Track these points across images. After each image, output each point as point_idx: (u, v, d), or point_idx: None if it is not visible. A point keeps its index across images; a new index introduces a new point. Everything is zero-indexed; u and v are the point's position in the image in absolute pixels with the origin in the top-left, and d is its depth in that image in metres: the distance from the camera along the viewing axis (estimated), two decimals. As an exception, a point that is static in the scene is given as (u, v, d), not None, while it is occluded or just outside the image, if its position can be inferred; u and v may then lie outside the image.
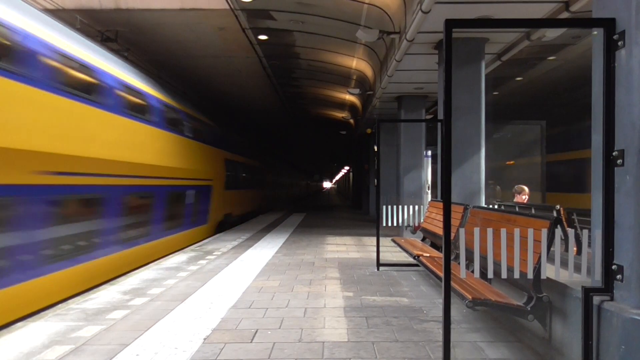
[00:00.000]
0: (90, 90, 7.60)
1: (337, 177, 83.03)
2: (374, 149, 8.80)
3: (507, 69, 12.59)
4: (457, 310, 4.93)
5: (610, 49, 3.00)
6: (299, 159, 59.21)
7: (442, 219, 3.36)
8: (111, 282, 6.70)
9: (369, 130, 20.01)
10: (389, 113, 15.18)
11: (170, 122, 11.27)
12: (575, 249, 3.68)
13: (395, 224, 8.03)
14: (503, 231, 3.56)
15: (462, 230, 3.59)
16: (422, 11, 6.60)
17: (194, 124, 13.28)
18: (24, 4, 6.40)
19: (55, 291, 6.46)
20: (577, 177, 15.27)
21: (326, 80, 16.39)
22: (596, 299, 3.03)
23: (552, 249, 3.49)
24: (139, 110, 9.54)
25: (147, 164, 9.62)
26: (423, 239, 7.93)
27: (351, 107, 20.47)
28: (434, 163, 13.34)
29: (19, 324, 4.68)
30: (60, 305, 5.48)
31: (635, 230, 2.82)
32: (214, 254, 9.35)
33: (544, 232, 3.42)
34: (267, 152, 30.52)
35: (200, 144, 13.70)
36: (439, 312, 5.11)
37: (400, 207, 8.05)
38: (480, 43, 7.91)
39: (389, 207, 7.99)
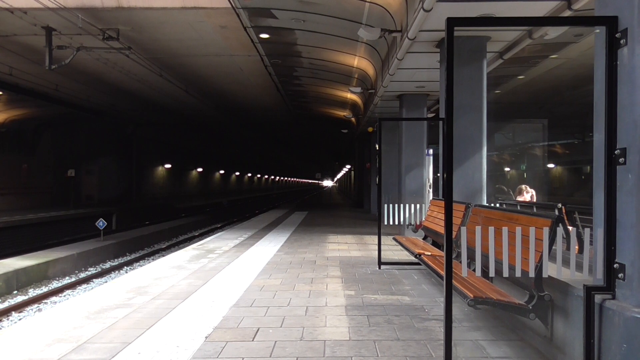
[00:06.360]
0: None
1: (339, 176, 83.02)
2: (376, 148, 8.81)
3: (509, 68, 12.56)
4: (459, 309, 4.93)
5: (613, 47, 2.99)
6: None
7: (443, 218, 3.35)
8: (113, 280, 6.72)
9: (370, 129, 20.00)
10: (391, 111, 15.17)
11: None
12: (577, 247, 3.68)
13: (396, 223, 8.03)
14: (505, 230, 3.56)
15: (463, 229, 3.58)
16: (423, 9, 6.58)
17: None
18: None
19: None
20: None
21: (328, 79, 16.37)
22: (598, 298, 3.03)
23: (553, 247, 3.49)
24: None
25: None
26: (424, 238, 7.93)
27: (353, 106, 20.45)
28: (435, 161, 13.33)
29: (20, 321, 4.70)
30: (62, 303, 5.49)
31: (637, 229, 2.81)
32: (215, 252, 9.36)
33: (546, 231, 3.41)
34: None
35: None
36: (440, 311, 5.11)
37: (401, 205, 8.04)
38: (482, 41, 7.89)
39: (391, 205, 7.98)
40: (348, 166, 50.22)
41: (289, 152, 59.27)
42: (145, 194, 34.94)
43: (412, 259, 7.02)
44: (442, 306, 5.21)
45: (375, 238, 7.94)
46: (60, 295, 11.35)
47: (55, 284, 12.36)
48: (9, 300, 10.79)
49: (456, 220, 5.84)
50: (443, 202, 3.63)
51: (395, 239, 8.10)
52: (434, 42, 8.25)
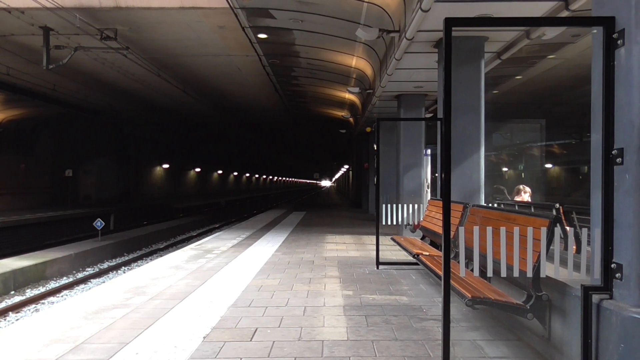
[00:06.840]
0: None
1: (337, 176, 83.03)
2: (374, 148, 8.82)
3: (507, 68, 12.58)
4: (457, 309, 4.94)
5: (610, 47, 2.99)
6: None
7: (441, 218, 3.36)
8: (110, 281, 6.70)
9: (368, 129, 19.99)
10: (389, 111, 15.17)
11: None
12: (574, 247, 3.69)
13: (394, 223, 8.03)
14: (502, 230, 3.56)
15: (461, 229, 3.58)
16: (421, 10, 6.58)
17: None
18: None
19: None
20: None
21: (326, 79, 16.37)
22: (595, 298, 3.03)
23: (551, 247, 3.49)
24: None
25: None
26: (422, 238, 7.93)
27: (351, 106, 20.46)
28: (433, 161, 13.34)
29: (17, 322, 4.69)
30: (60, 303, 5.48)
31: (635, 229, 2.82)
32: (213, 252, 9.36)
33: (544, 231, 3.41)
34: None
35: None
36: (438, 311, 5.11)
37: (399, 205, 8.04)
38: (479, 41, 7.90)
39: (389, 205, 7.98)
40: (346, 166, 50.22)
41: (287, 152, 59.24)
42: (143, 194, 34.89)
43: (410, 259, 7.02)
44: (440, 306, 5.20)
45: (373, 238, 7.94)
46: (57, 295, 11.33)
47: (52, 284, 12.33)
48: (6, 300, 10.77)
49: (454, 220, 5.85)
50: (441, 202, 3.64)
51: (393, 239, 8.11)
52: (432, 42, 8.26)
